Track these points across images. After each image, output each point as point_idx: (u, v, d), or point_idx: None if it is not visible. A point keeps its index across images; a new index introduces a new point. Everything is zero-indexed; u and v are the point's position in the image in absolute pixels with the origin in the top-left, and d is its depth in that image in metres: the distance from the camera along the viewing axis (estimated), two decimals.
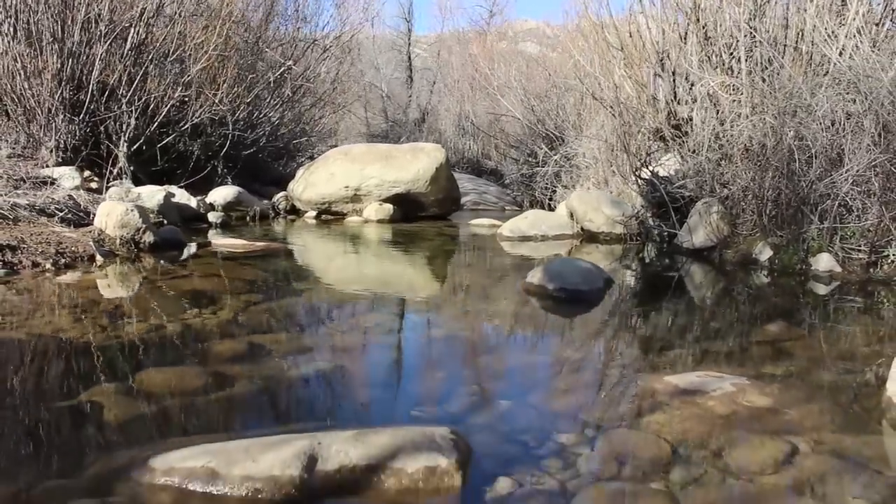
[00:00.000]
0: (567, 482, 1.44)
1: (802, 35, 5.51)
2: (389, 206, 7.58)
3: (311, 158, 9.94)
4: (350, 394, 2.07)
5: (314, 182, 7.84)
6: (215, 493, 1.31)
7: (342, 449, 1.41)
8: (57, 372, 2.14)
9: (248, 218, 7.32)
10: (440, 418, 1.78)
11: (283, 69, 9.25)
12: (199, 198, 6.87)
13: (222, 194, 7.23)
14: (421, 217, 7.90)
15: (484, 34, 19.87)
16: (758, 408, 1.87)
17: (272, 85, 9.19)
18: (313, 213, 7.93)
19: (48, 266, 3.81)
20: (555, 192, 9.06)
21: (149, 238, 4.63)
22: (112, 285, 3.66)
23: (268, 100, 9.27)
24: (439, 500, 1.35)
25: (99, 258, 4.14)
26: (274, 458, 1.36)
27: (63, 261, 3.95)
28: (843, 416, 1.87)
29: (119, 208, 4.59)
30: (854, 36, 5.12)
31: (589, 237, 6.16)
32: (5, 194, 5.06)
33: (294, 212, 8.20)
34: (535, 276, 3.56)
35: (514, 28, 23.40)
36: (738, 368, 2.26)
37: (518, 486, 1.41)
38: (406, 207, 7.73)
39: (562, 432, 1.70)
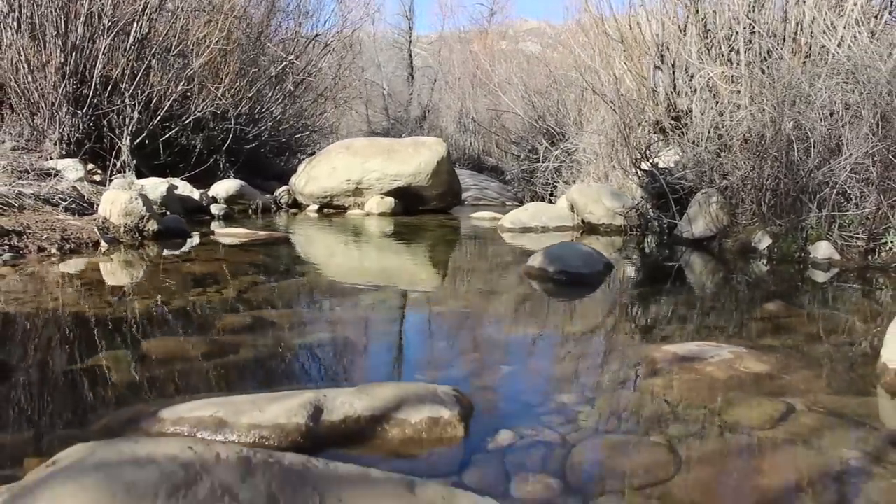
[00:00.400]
0: (567, 435, 1.47)
1: (801, 27, 5.54)
2: (391, 200, 7.61)
3: (313, 155, 9.98)
4: (353, 361, 2.10)
5: (316, 176, 7.87)
6: (223, 440, 1.33)
7: (347, 401, 1.44)
8: (68, 340, 2.17)
9: (250, 211, 7.36)
10: (442, 382, 1.81)
11: (284, 64, 9.29)
12: (201, 191, 6.90)
13: (225, 187, 7.27)
14: (422, 211, 7.93)
15: (485, 33, 19.92)
16: (755, 373, 1.90)
17: (274, 80, 9.23)
18: (315, 207, 7.96)
19: (54, 251, 3.85)
20: (555, 187, 9.08)
21: (153, 226, 4.66)
22: (118, 268, 3.70)
23: (270, 94, 9.31)
24: (442, 450, 1.38)
25: (103, 244, 4.17)
26: (280, 408, 1.39)
27: (68, 246, 3.99)
28: (839, 381, 1.90)
29: (123, 196, 4.62)
30: (852, 27, 5.16)
31: (589, 229, 6.19)
32: (10, 184, 5.09)
33: (296, 205, 8.24)
34: (536, 260, 3.59)
35: (514, 28, 23.44)
36: (737, 341, 2.29)
37: (519, 438, 1.44)
38: (407, 201, 7.76)
39: (562, 393, 1.73)
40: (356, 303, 2.92)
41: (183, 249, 4.42)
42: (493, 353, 2.19)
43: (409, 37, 22.82)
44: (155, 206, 5.46)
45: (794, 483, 1.28)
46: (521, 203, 9.86)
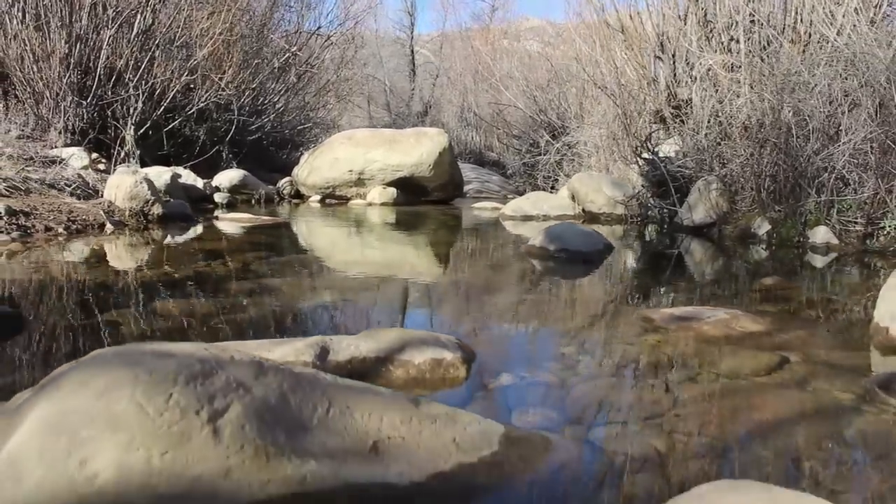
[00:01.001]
0: (566, 378, 1.51)
1: (801, 16, 5.58)
2: (393, 190, 7.65)
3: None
4: (357, 319, 2.14)
5: (318, 166, 7.91)
6: None
7: (353, 343, 1.49)
8: (78, 301, 2.22)
9: (253, 201, 7.40)
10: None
11: (287, 56, 9.34)
12: (205, 180, 6.95)
13: (228, 177, 7.31)
14: (424, 201, 7.97)
15: (487, 30, 19.96)
16: (751, 332, 1.94)
17: (277, 71, 9.27)
18: (317, 198, 8.01)
19: (60, 231, 3.89)
20: (557, 180, 9.12)
21: (157, 210, 4.71)
22: (125, 246, 3.74)
23: (272, 87, 9.36)
24: (445, 388, 1.43)
25: (109, 226, 4.22)
26: (288, 348, 1.44)
27: (74, 227, 4.04)
28: (832, 339, 1.95)
29: (128, 180, 4.67)
30: (852, 16, 5.20)
31: (590, 218, 6.23)
32: (17, 170, 5.14)
33: (298, 196, 8.29)
34: (537, 239, 3.64)
35: (516, 26, 23.47)
36: (733, 306, 2.33)
37: (519, 379, 1.48)
38: (409, 192, 7.80)
39: (562, 346, 1.77)
40: (359, 273, 2.97)
41: (188, 232, 4.46)
42: (494, 314, 2.23)
43: (411, 33, 22.90)
44: (159, 193, 5.50)
45: (786, 417, 1.32)
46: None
